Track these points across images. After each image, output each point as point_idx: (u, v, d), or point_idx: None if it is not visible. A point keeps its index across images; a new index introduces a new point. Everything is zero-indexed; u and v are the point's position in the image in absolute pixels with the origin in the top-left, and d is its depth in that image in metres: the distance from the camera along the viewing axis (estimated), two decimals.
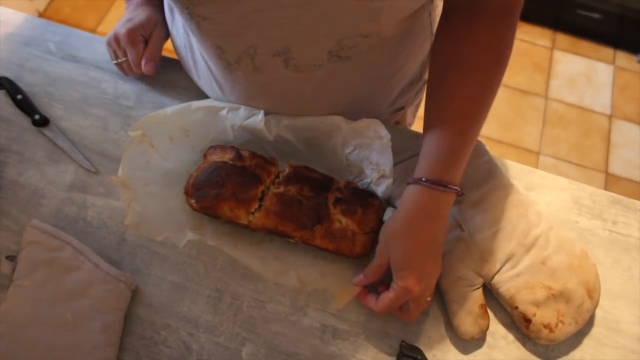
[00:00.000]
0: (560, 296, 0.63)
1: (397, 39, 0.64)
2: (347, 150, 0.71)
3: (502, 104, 1.93)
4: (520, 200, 0.69)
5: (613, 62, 2.02)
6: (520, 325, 0.65)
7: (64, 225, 0.72)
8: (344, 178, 0.72)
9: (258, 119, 0.70)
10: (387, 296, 0.61)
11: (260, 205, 0.65)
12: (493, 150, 0.72)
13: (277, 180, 0.67)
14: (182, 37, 0.74)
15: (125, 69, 0.80)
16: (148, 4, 0.80)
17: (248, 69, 0.64)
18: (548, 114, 1.91)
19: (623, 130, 1.88)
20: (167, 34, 0.80)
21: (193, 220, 0.69)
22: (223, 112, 0.71)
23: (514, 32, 0.61)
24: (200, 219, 0.69)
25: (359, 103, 0.73)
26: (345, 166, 0.72)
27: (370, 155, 0.69)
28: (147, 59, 0.76)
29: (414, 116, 1.01)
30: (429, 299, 0.63)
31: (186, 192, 0.67)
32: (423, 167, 0.61)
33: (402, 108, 0.84)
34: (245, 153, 0.68)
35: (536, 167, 1.78)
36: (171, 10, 0.75)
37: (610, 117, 1.91)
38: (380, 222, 0.67)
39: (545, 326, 0.63)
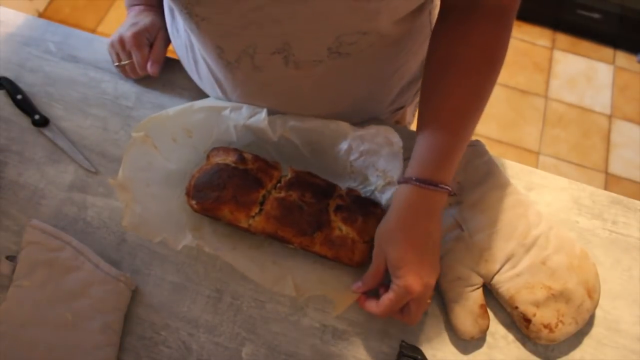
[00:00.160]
0: (560, 296, 0.63)
1: (396, 37, 0.64)
2: (352, 157, 0.70)
3: (502, 104, 1.93)
4: (520, 201, 0.69)
5: (613, 62, 2.02)
6: (520, 325, 0.65)
7: (64, 225, 0.72)
8: (347, 185, 0.72)
9: (261, 118, 0.70)
10: (388, 298, 0.60)
11: (260, 210, 0.65)
12: (493, 150, 0.72)
13: (278, 184, 0.67)
14: (183, 38, 0.74)
15: (128, 72, 0.81)
16: (151, 9, 0.82)
17: (248, 68, 0.64)
18: (548, 114, 1.91)
19: (623, 130, 1.88)
20: (169, 38, 0.81)
21: (193, 222, 0.69)
22: (226, 112, 0.71)
23: (509, 33, 0.61)
24: (201, 221, 0.69)
25: (359, 102, 0.73)
26: (348, 173, 0.72)
27: (376, 162, 0.69)
28: (153, 60, 0.78)
29: (414, 115, 1.01)
30: (429, 300, 0.62)
31: (187, 193, 0.67)
32: (414, 167, 0.61)
33: (402, 107, 0.84)
34: (247, 156, 0.68)
35: (536, 167, 1.78)
36: (171, 11, 0.75)
37: (610, 117, 1.91)
38: None
39: (545, 326, 0.63)
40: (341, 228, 0.65)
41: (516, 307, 0.64)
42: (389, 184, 0.68)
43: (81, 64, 0.84)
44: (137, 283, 0.68)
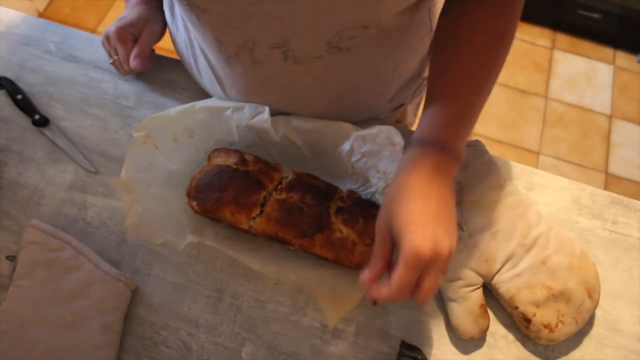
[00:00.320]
0: (560, 296, 0.63)
1: (396, 32, 0.64)
2: (354, 159, 0.70)
3: (502, 104, 1.93)
4: (520, 201, 0.69)
5: (613, 62, 2.02)
6: (520, 325, 0.65)
7: (64, 225, 0.72)
8: (348, 187, 0.72)
9: (264, 118, 0.69)
10: (397, 274, 0.51)
11: (261, 211, 0.65)
12: (493, 150, 0.72)
13: (279, 186, 0.67)
14: (183, 35, 0.74)
15: (118, 67, 0.80)
16: (144, 3, 0.81)
17: (247, 62, 0.64)
18: (548, 114, 1.91)
19: (623, 130, 1.88)
20: (160, 32, 0.81)
21: (194, 223, 0.69)
22: (227, 112, 0.71)
23: (518, 10, 0.59)
24: (202, 222, 0.69)
25: (359, 98, 0.73)
26: (350, 174, 0.72)
27: (378, 164, 0.69)
28: (135, 55, 0.76)
29: (415, 115, 1.01)
30: (442, 275, 0.54)
31: (188, 194, 0.67)
32: (424, 130, 0.57)
33: (402, 105, 0.84)
34: (249, 157, 0.68)
35: (536, 167, 1.78)
36: (171, 8, 0.75)
37: (610, 117, 1.91)
38: None
39: (545, 326, 0.63)
40: (342, 230, 0.65)
41: (516, 307, 0.64)
42: (390, 185, 0.68)
43: (81, 64, 0.84)
44: (137, 283, 0.68)
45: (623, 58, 2.02)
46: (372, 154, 0.69)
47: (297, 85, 0.67)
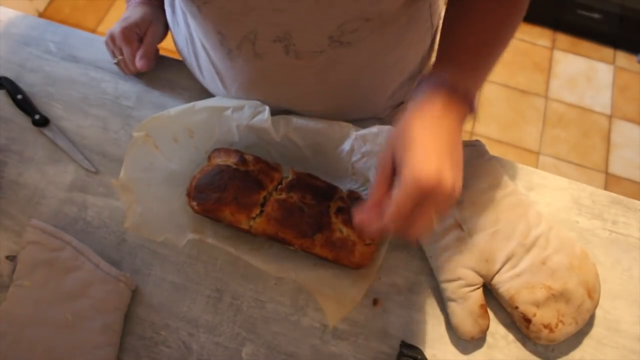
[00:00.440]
0: (560, 296, 0.63)
1: (397, 26, 0.64)
2: (354, 159, 0.70)
3: (502, 104, 1.93)
4: (520, 201, 0.69)
5: (613, 62, 2.01)
6: (520, 325, 0.65)
7: (64, 225, 0.72)
8: (348, 187, 0.72)
9: (264, 118, 0.69)
10: (393, 199, 0.48)
11: (261, 211, 0.65)
12: (493, 150, 0.72)
13: (279, 186, 0.67)
14: (183, 31, 0.74)
15: (123, 68, 0.81)
16: (146, 3, 0.81)
17: (249, 56, 0.64)
18: (548, 114, 1.91)
19: (623, 130, 1.88)
20: (163, 32, 0.81)
21: (194, 223, 0.69)
22: (228, 112, 0.71)
23: None
24: (202, 222, 0.69)
25: (359, 95, 0.73)
26: (350, 174, 0.72)
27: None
28: (141, 55, 0.77)
29: None
30: (446, 209, 0.49)
31: (188, 194, 0.67)
32: (436, 71, 0.57)
33: (402, 103, 0.84)
34: (249, 157, 0.68)
35: (536, 167, 1.78)
36: (172, 4, 0.75)
37: (610, 117, 1.91)
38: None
39: (545, 326, 0.63)
40: (342, 230, 0.65)
41: (516, 307, 0.64)
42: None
43: (81, 64, 0.84)
44: (137, 283, 0.68)
45: (623, 58, 2.02)
46: (372, 154, 0.69)
47: (298, 80, 0.67)
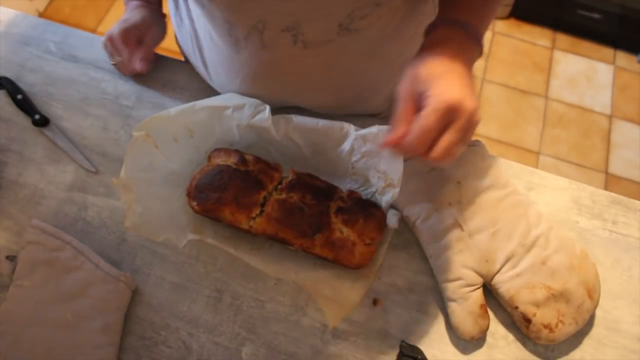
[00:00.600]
0: (561, 296, 0.63)
1: (403, 13, 0.65)
2: (354, 159, 0.70)
3: (502, 104, 1.93)
4: (520, 201, 0.69)
5: (613, 62, 2.01)
6: (520, 325, 0.65)
7: (64, 225, 0.72)
8: (348, 187, 0.72)
9: (265, 117, 0.69)
10: (421, 120, 0.50)
11: (261, 211, 0.65)
12: (493, 150, 0.72)
13: (279, 186, 0.67)
14: (187, 27, 0.75)
15: (121, 69, 0.81)
16: (145, 6, 0.81)
17: (256, 46, 0.64)
18: (548, 114, 1.91)
19: (623, 130, 1.88)
20: (162, 35, 0.82)
21: (194, 223, 0.69)
22: (228, 111, 0.71)
23: None
24: (202, 222, 0.69)
25: (364, 86, 0.73)
26: (350, 174, 0.72)
27: (378, 164, 0.69)
28: (141, 57, 0.78)
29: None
30: (463, 142, 0.52)
31: (188, 194, 0.67)
32: (446, 14, 0.59)
33: None
34: (249, 157, 0.68)
35: (536, 167, 1.78)
36: (175, 0, 0.75)
37: (610, 117, 1.91)
38: (381, 233, 0.66)
39: (545, 326, 0.63)
40: (342, 230, 0.65)
41: (516, 307, 0.64)
42: (389, 185, 0.68)
43: (81, 64, 0.84)
44: (137, 283, 0.68)
45: (623, 58, 2.02)
46: (372, 154, 0.69)
47: (304, 70, 0.67)
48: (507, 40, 2.05)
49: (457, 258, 0.66)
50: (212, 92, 0.80)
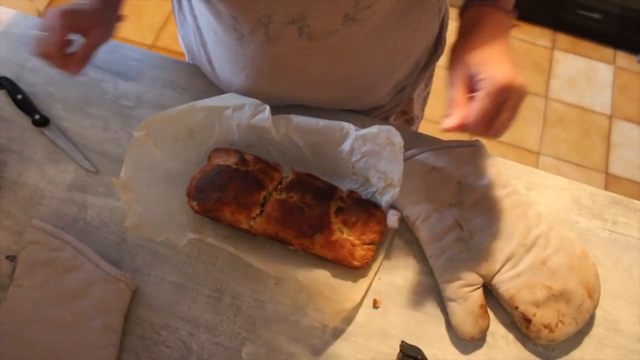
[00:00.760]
0: (561, 296, 0.63)
1: (406, 1, 0.65)
2: (354, 158, 0.70)
3: None
4: (520, 201, 0.69)
5: (613, 62, 2.02)
6: (520, 325, 0.65)
7: (64, 225, 0.72)
8: (348, 187, 0.72)
9: (265, 117, 0.69)
10: (479, 103, 0.55)
11: (261, 211, 0.65)
12: (493, 150, 0.72)
13: (279, 186, 0.67)
14: (191, 24, 0.75)
15: (41, 50, 0.65)
16: (103, 1, 0.70)
17: (261, 40, 0.64)
18: (548, 114, 1.91)
19: (623, 130, 1.88)
20: (107, 38, 0.71)
21: (194, 223, 0.69)
22: (228, 111, 0.71)
23: None
24: (202, 222, 0.69)
25: (367, 78, 0.73)
26: (350, 174, 0.72)
27: (378, 164, 0.69)
28: (81, 57, 0.67)
29: (422, 110, 1.01)
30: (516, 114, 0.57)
31: (188, 194, 0.67)
32: None
33: (404, 88, 0.84)
34: (249, 157, 0.68)
35: (536, 167, 1.78)
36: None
37: (610, 117, 1.91)
38: (381, 234, 0.66)
39: (546, 326, 0.63)
40: (342, 230, 0.65)
41: (516, 307, 0.64)
42: (389, 185, 0.68)
43: None
44: (137, 283, 0.68)
45: (623, 58, 2.02)
46: (372, 154, 0.69)
47: (308, 63, 0.67)
48: None
49: (457, 258, 0.66)
50: (213, 92, 0.79)
